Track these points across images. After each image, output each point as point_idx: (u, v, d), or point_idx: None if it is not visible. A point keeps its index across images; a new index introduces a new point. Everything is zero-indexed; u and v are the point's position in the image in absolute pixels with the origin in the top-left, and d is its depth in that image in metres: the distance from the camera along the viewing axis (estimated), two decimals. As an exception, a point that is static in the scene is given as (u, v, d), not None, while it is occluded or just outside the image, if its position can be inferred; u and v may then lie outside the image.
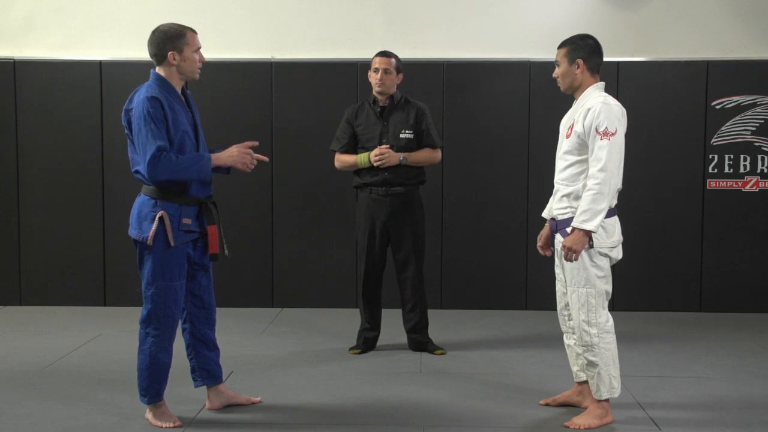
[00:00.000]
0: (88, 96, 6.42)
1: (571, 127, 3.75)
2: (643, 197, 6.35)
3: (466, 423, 3.85)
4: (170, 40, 3.65)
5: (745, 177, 6.34)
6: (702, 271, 6.40)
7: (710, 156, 6.34)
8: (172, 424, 3.75)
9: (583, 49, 3.77)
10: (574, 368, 4.00)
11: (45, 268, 6.51)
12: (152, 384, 3.73)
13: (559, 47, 3.85)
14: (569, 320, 3.92)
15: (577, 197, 3.70)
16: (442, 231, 6.42)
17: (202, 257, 3.81)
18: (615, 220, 3.74)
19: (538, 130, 6.28)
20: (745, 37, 6.40)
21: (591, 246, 3.64)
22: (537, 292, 6.31)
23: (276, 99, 6.41)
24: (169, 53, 3.64)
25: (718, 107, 6.33)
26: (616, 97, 6.26)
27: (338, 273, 6.45)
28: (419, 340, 5.11)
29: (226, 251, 3.87)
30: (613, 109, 3.66)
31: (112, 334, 5.56)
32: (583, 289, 3.68)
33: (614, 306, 6.43)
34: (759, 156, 6.32)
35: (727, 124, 6.32)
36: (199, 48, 3.74)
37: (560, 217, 3.79)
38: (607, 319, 3.73)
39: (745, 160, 6.32)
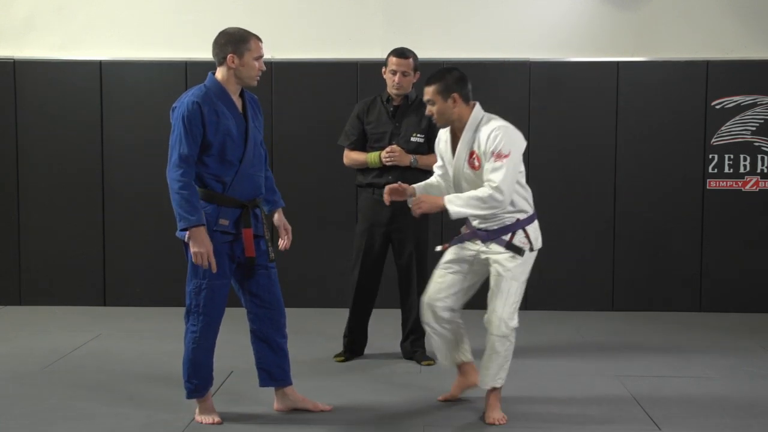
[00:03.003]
0: (87, 96, 6.42)
1: (472, 155, 3.78)
2: (643, 197, 6.35)
3: (466, 423, 3.85)
4: (232, 42, 3.65)
5: (745, 177, 6.34)
6: (702, 271, 6.40)
7: (710, 156, 6.34)
8: (212, 420, 3.76)
9: (454, 83, 3.81)
10: (454, 353, 4.13)
11: (45, 268, 6.50)
12: (189, 379, 3.74)
13: (427, 85, 3.83)
14: (454, 307, 4.09)
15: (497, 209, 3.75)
16: (442, 231, 6.42)
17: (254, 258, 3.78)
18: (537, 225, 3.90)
19: (537, 130, 6.26)
20: (745, 37, 6.40)
21: (531, 249, 3.83)
22: (536, 292, 6.29)
23: (276, 99, 6.40)
24: (229, 56, 3.64)
25: (718, 107, 6.33)
26: (616, 97, 6.32)
27: (338, 273, 6.44)
28: (409, 349, 4.98)
29: (272, 254, 3.86)
30: (508, 131, 3.74)
31: (112, 334, 5.56)
32: (521, 283, 3.87)
33: (614, 306, 6.45)
34: (759, 156, 6.32)
35: (727, 124, 6.32)
36: (262, 57, 3.71)
37: (492, 228, 3.85)
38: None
39: (745, 160, 6.32)
